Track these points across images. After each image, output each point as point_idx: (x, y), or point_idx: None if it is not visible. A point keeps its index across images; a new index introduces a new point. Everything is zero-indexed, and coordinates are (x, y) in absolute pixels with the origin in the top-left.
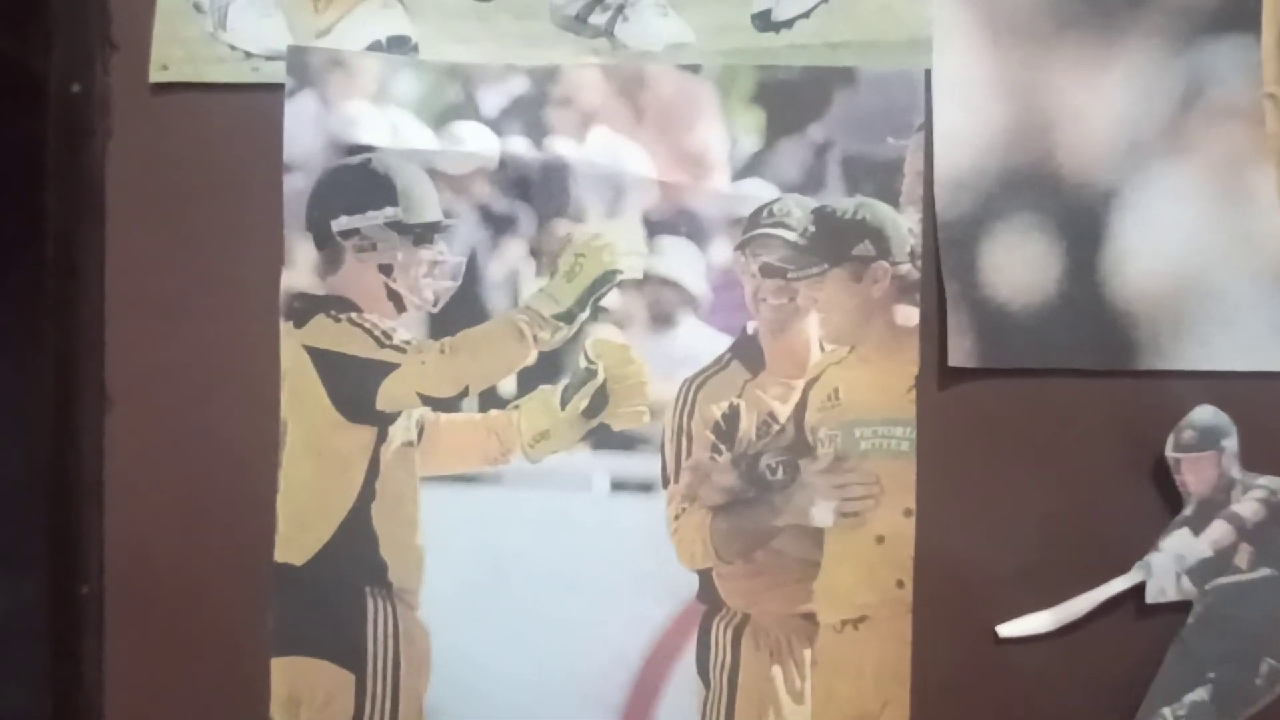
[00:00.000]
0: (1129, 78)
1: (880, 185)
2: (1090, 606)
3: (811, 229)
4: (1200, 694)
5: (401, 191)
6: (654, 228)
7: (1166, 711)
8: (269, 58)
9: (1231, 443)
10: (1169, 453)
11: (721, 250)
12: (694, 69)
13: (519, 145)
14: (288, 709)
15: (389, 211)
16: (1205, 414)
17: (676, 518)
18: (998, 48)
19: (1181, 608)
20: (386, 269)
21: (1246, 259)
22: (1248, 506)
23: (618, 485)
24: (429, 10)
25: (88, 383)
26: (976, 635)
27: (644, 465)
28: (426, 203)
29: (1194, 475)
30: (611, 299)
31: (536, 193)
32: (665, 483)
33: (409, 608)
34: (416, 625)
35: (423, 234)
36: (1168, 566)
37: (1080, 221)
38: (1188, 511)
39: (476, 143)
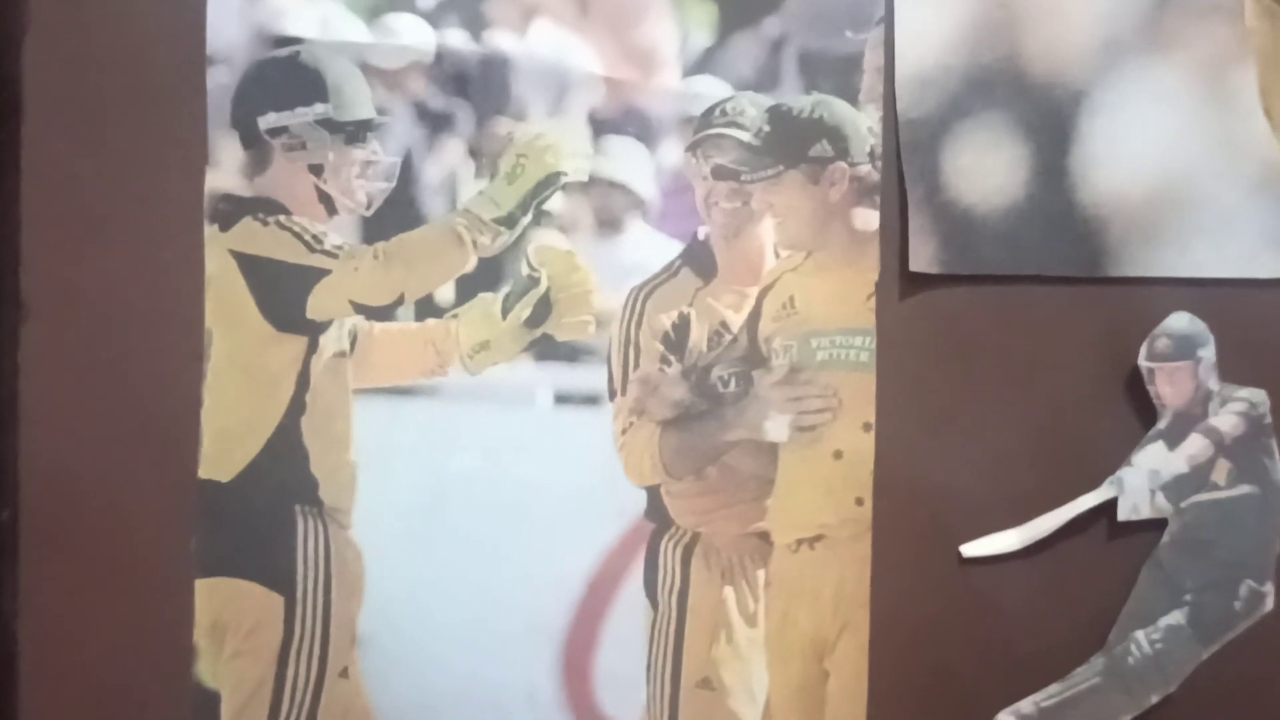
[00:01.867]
0: None
1: (838, 82)
2: (1058, 524)
3: (766, 129)
4: (1176, 617)
5: (332, 87)
6: (600, 127)
7: (1140, 635)
8: None
9: (1208, 352)
10: (1142, 362)
11: (671, 151)
12: None
13: (456, 39)
14: (213, 634)
15: (319, 108)
16: (1181, 321)
17: (623, 432)
18: None
19: (1156, 526)
20: (317, 169)
21: (1225, 163)
22: (1226, 420)
23: (561, 399)
24: None
25: (2, 294)
26: (940, 556)
27: (589, 378)
28: (359, 99)
29: (1169, 386)
30: (555, 202)
31: (475, 89)
32: (612, 396)
33: (341, 527)
34: (349, 545)
35: (355, 132)
36: (1141, 483)
37: (1050, 122)
38: (1162, 425)
39: (412, 35)
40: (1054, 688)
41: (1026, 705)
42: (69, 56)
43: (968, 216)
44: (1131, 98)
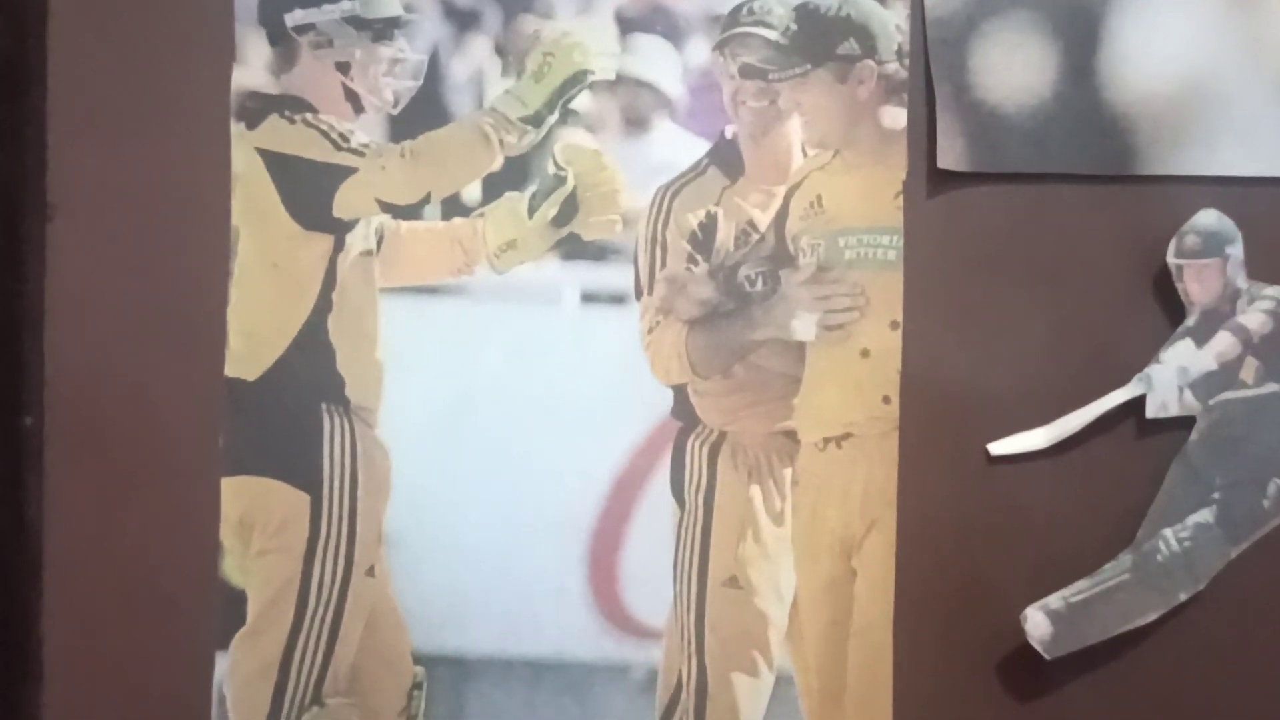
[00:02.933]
0: None
1: None
2: (1087, 421)
3: (794, 27)
4: (1205, 515)
5: None
6: (627, 25)
7: (1168, 533)
8: None
9: (1236, 250)
10: (1170, 259)
11: (699, 50)
12: None
13: None
14: (239, 533)
15: (346, 5)
16: (1209, 218)
17: (650, 331)
18: None
19: (1184, 424)
20: (344, 67)
21: (1253, 62)
22: (1254, 318)
23: (588, 297)
24: None
25: (29, 196)
26: (967, 454)
27: (616, 277)
28: None
29: (1197, 283)
30: (582, 101)
31: None
32: (638, 295)
33: (368, 426)
34: (376, 444)
35: (382, 30)
36: (1169, 379)
37: (1078, 20)
38: (1190, 322)
39: None
40: (1082, 583)
41: (1055, 600)
42: None
43: (995, 115)
44: None
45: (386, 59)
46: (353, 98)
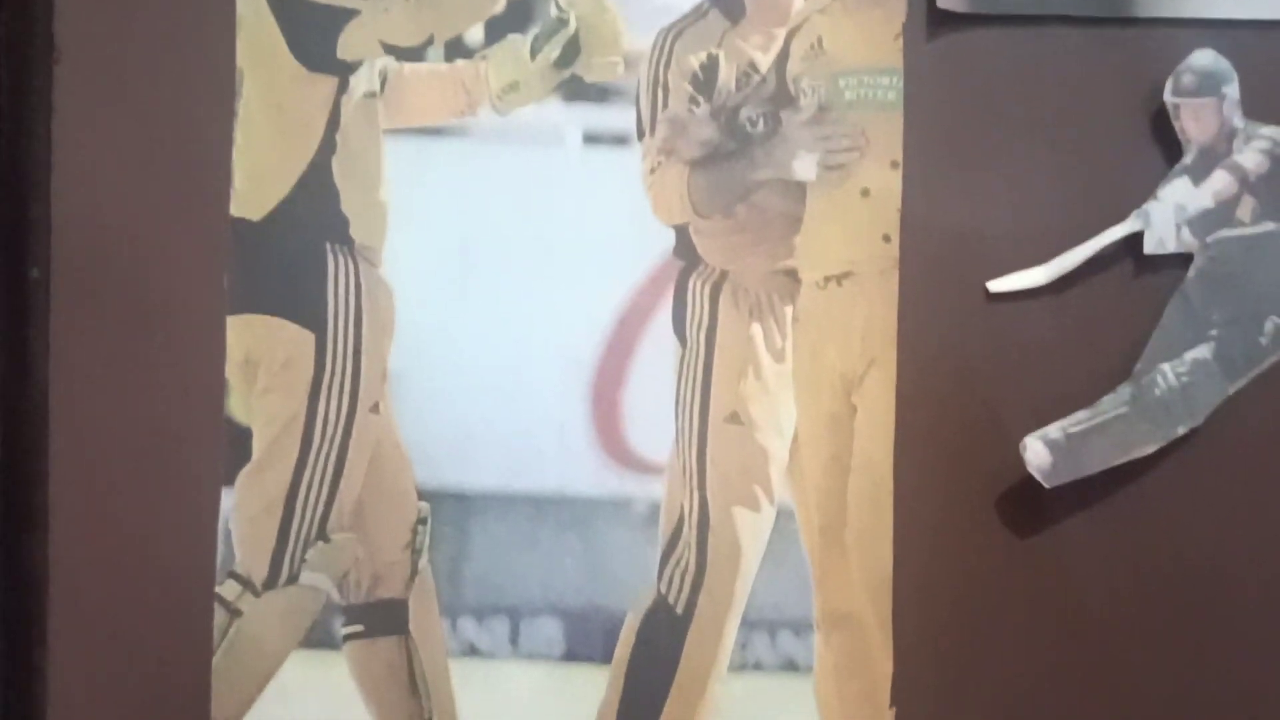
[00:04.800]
0: None
1: None
2: (1085, 257)
3: None
4: (1202, 351)
5: None
6: None
7: (1166, 367)
8: None
9: (1232, 89)
10: (1167, 97)
11: None
12: None
13: None
14: (244, 370)
15: None
16: (1206, 57)
17: (652, 171)
18: None
19: (1182, 262)
20: None
21: None
22: (1250, 157)
23: (590, 138)
24: None
25: (36, 40)
26: (967, 292)
27: (618, 118)
28: None
29: (1194, 122)
30: None
31: None
32: (640, 136)
33: (372, 265)
34: (380, 284)
35: None
36: (1167, 216)
37: None
38: (1188, 160)
39: None
40: (1081, 414)
41: (1054, 430)
42: None
43: None
44: None
45: None
46: None
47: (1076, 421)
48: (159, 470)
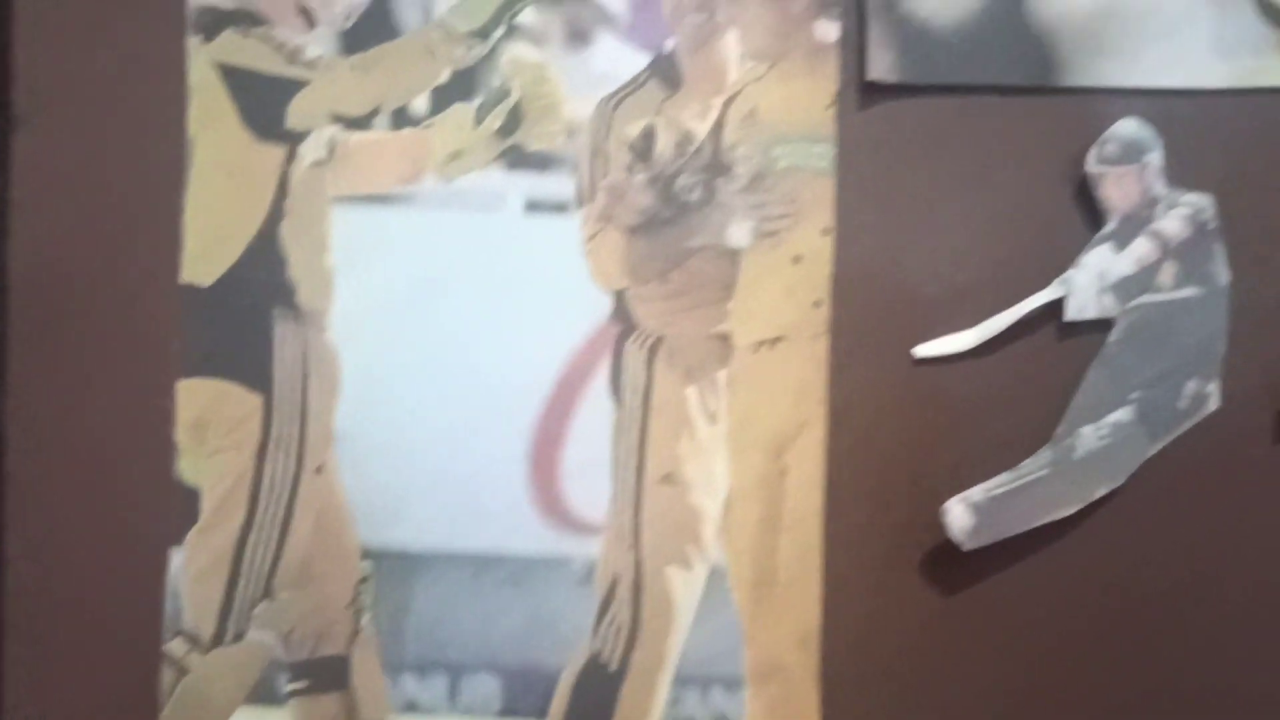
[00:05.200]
0: None
1: None
2: (1009, 323)
3: None
4: (1123, 414)
5: None
6: None
7: (1087, 430)
8: None
9: (1155, 157)
10: (1091, 167)
11: None
12: None
13: None
14: (194, 432)
15: None
16: (1129, 127)
17: (591, 238)
18: None
19: (1105, 326)
20: None
21: None
22: (1172, 224)
23: (532, 206)
24: None
25: None
26: (896, 356)
27: (559, 185)
28: None
29: (1117, 190)
30: (527, 15)
31: None
32: (580, 203)
33: (318, 330)
34: (326, 347)
35: None
36: (1088, 283)
37: None
38: (1110, 227)
39: None
40: (1003, 477)
41: (976, 493)
42: None
43: (925, 27)
44: None
45: None
46: (305, 12)
47: (998, 484)
48: (110, 530)
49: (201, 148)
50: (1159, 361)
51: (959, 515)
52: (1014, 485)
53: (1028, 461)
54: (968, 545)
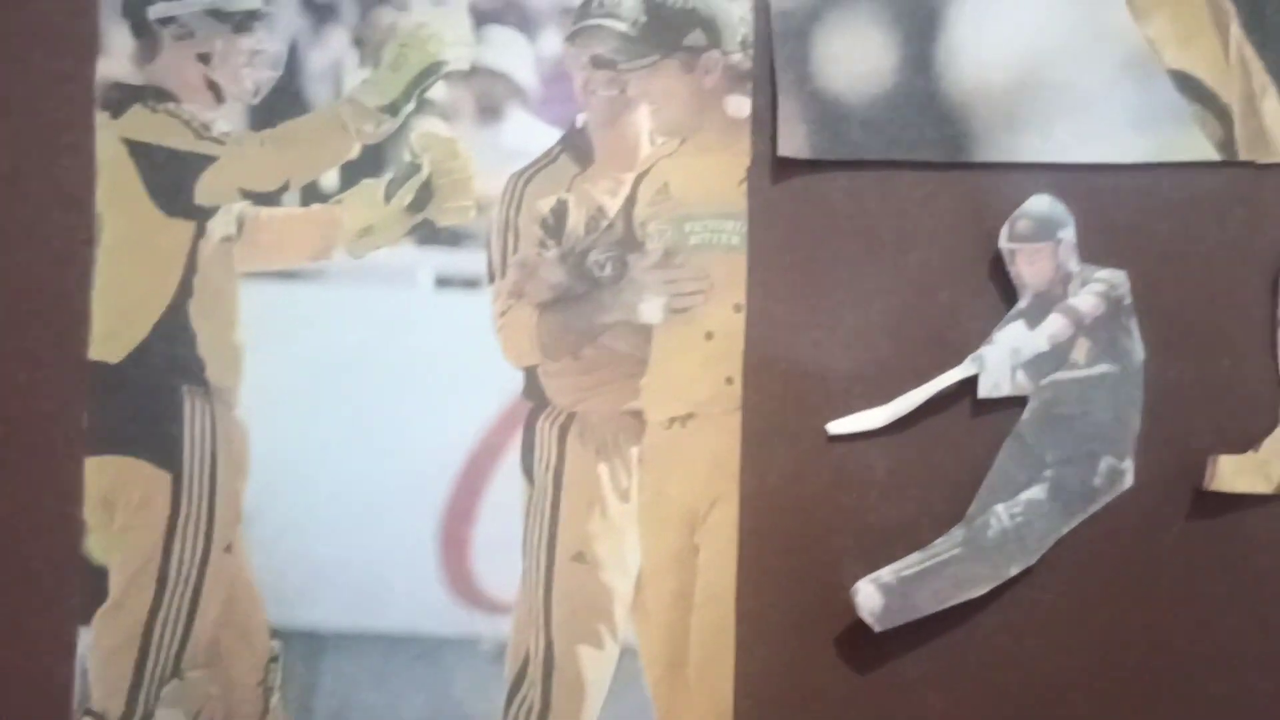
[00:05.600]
0: None
1: None
2: (921, 400)
3: (642, 19)
4: (1037, 492)
5: None
6: (481, 17)
7: (1000, 509)
8: None
9: (1068, 234)
10: (1003, 244)
11: (551, 41)
12: None
13: None
14: (102, 510)
15: None
16: (1041, 204)
17: (502, 314)
18: None
19: (1018, 403)
20: (205, 58)
21: (1089, 50)
22: (1086, 300)
23: (443, 281)
24: None
25: None
26: (808, 433)
27: (470, 261)
28: None
29: (1029, 267)
30: (437, 91)
31: None
32: (491, 279)
33: (227, 406)
34: (234, 424)
35: (242, 21)
36: (1002, 360)
37: (919, 10)
38: (1023, 304)
39: None
40: (914, 557)
41: (886, 574)
42: None
43: (837, 103)
44: None
45: (246, 50)
46: (214, 88)
47: (909, 564)
48: (17, 608)
49: (110, 224)
50: (1073, 439)
51: (868, 596)
52: (925, 565)
53: (940, 540)
54: (878, 627)
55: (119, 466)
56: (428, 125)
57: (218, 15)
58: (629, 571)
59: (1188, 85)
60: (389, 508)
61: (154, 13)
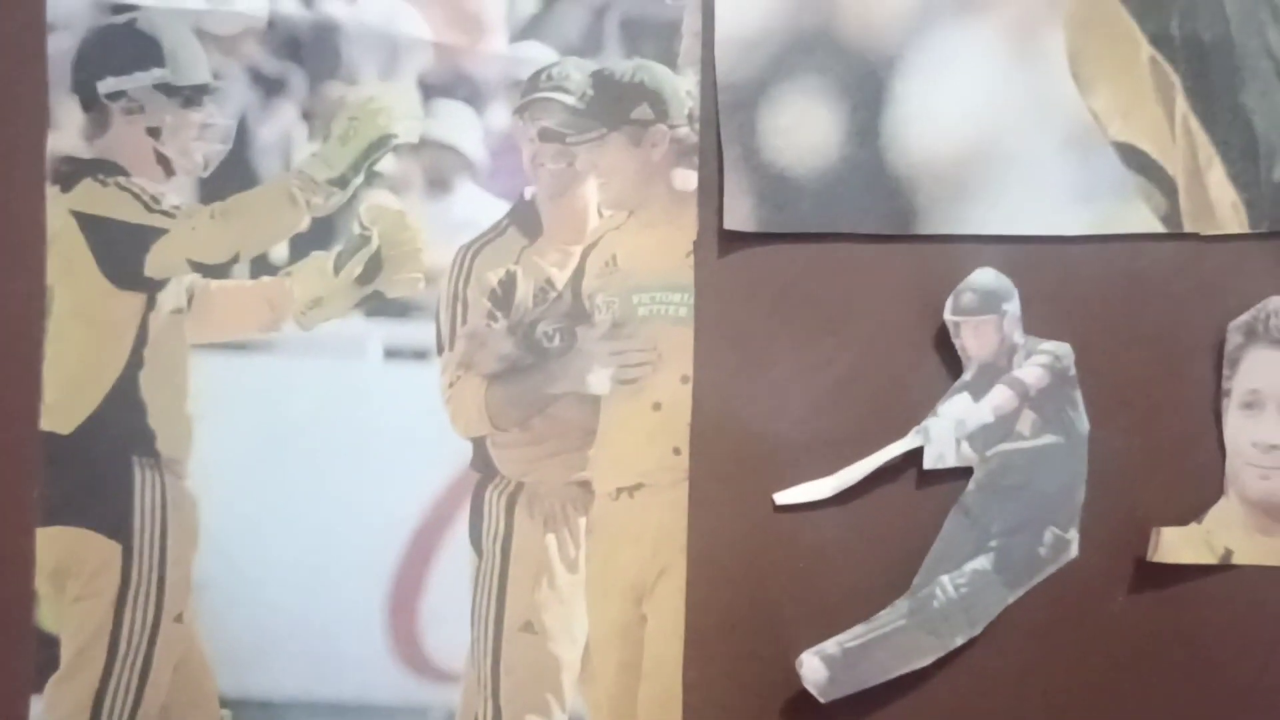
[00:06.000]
0: None
1: (658, 47)
2: (867, 471)
3: (590, 92)
4: (982, 562)
5: (168, 52)
6: (430, 91)
7: (946, 580)
8: None
9: (1013, 306)
10: (948, 316)
11: (499, 114)
12: None
13: (288, 5)
14: (54, 580)
15: (156, 73)
16: (985, 277)
17: (451, 385)
18: None
19: (964, 475)
20: (155, 132)
21: (1034, 123)
22: (1031, 372)
23: (391, 353)
24: None
25: None
26: (755, 503)
27: (419, 333)
28: (195, 64)
29: (974, 339)
30: (386, 163)
31: (308, 54)
32: (440, 350)
33: (177, 477)
34: (185, 495)
35: (191, 96)
36: (946, 432)
37: (864, 85)
38: (968, 376)
39: (245, 2)
40: (859, 629)
41: (831, 646)
42: None
43: (783, 177)
44: (944, 60)
45: (196, 124)
46: (164, 161)
47: (854, 636)
48: None
49: (60, 296)
50: (1018, 510)
51: (813, 669)
52: (870, 636)
53: (885, 611)
54: (824, 698)
55: (70, 537)
56: (377, 198)
57: (167, 90)
58: (577, 641)
59: (1132, 157)
60: (338, 578)
61: (103, 88)
